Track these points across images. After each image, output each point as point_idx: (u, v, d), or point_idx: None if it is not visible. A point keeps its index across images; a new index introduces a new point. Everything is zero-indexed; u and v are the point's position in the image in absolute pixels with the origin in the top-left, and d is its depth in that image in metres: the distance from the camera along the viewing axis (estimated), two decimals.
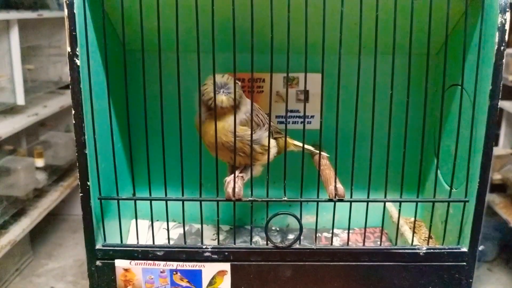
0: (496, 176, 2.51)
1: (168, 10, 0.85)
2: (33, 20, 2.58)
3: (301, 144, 1.00)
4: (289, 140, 1.01)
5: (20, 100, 2.49)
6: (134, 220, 1.10)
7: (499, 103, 0.87)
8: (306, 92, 1.06)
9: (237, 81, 0.93)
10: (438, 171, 1.04)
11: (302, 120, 1.12)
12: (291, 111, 1.12)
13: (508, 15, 0.84)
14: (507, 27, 0.84)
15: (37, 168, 2.59)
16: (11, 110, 2.49)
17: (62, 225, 2.87)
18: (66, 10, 0.83)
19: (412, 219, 1.09)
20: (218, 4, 0.83)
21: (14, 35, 2.40)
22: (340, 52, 0.85)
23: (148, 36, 0.86)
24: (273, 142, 0.99)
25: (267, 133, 0.97)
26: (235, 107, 0.90)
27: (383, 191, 0.93)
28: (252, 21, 0.83)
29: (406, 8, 0.85)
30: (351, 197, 0.91)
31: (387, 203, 1.12)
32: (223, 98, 0.91)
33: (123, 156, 1.07)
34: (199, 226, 1.14)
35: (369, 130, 0.90)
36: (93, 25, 0.89)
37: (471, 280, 0.93)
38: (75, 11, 0.83)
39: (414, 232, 0.97)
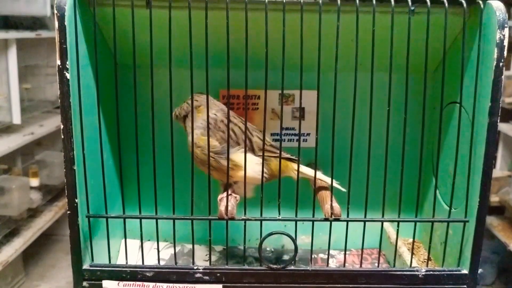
0: (493, 199, 2.49)
1: (161, 26, 0.84)
2: (31, 40, 2.58)
3: (306, 171, 0.96)
4: (289, 164, 0.96)
5: (16, 119, 2.47)
6: (123, 241, 1.07)
7: (498, 121, 0.85)
8: (301, 110, 1.04)
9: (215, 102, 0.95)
10: (437, 191, 1.02)
11: (297, 138, 1.10)
12: (287, 128, 1.10)
13: (506, 31, 0.82)
14: (505, 43, 0.82)
15: (32, 188, 2.57)
16: (7, 129, 2.48)
17: (56, 245, 2.83)
18: (56, 23, 0.81)
19: (410, 240, 1.06)
20: (212, 20, 0.81)
21: (12, 54, 2.40)
22: (337, 68, 0.83)
23: (140, 52, 0.85)
24: (256, 159, 0.93)
25: (240, 149, 0.92)
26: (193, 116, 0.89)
27: (381, 212, 0.90)
28: (247, 37, 0.82)
29: (403, 25, 0.83)
30: (347, 216, 0.88)
31: (384, 224, 1.10)
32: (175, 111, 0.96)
33: (113, 174, 1.05)
34: (191, 246, 1.10)
35: (366, 149, 0.87)
36: (85, 39, 0.88)
37: None
38: (66, 23, 0.81)
39: (412, 254, 0.94)
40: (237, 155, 0.92)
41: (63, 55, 0.82)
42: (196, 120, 0.92)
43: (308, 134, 1.11)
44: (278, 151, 0.91)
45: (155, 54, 0.84)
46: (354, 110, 0.86)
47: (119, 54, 0.95)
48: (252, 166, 0.92)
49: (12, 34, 2.37)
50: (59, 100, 0.84)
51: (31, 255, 2.63)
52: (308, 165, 1.06)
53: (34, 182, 2.59)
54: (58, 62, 0.82)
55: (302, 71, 0.85)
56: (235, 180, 0.94)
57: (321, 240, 1.07)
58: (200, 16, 0.81)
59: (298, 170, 0.90)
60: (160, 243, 0.95)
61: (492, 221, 2.55)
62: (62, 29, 0.82)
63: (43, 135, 2.61)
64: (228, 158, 0.89)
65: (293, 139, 1.11)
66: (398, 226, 0.91)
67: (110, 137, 1.01)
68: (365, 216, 0.89)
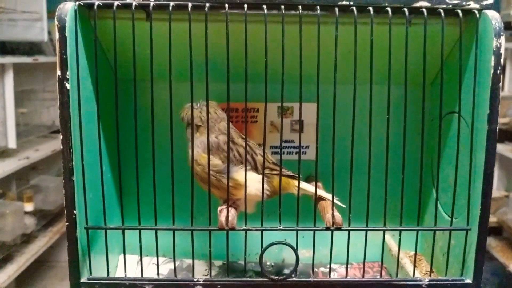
0: (491, 219, 2.49)
1: (160, 40, 0.85)
2: (28, 65, 2.59)
3: (307, 188, 0.95)
4: (290, 181, 0.96)
5: (12, 143, 2.47)
6: (122, 255, 1.06)
7: (497, 127, 0.85)
8: (301, 122, 1.04)
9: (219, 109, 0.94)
10: (438, 202, 1.01)
11: (297, 150, 1.10)
12: (286, 141, 1.10)
13: (502, 39, 0.83)
14: (502, 50, 0.83)
15: (26, 213, 2.55)
16: (2, 153, 2.47)
17: (50, 272, 2.79)
18: (57, 34, 0.82)
19: (412, 252, 1.06)
20: (211, 33, 0.82)
21: (9, 79, 2.41)
22: (336, 79, 0.84)
23: (139, 66, 0.85)
24: (259, 177, 0.92)
25: (242, 167, 0.91)
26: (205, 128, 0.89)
27: (382, 223, 0.89)
28: (246, 50, 0.82)
29: (400, 36, 0.84)
30: (349, 226, 0.88)
31: (386, 237, 1.09)
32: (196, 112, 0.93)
33: (111, 188, 1.04)
34: (190, 261, 1.09)
35: (366, 160, 0.87)
36: (85, 51, 0.88)
37: None
38: (66, 34, 0.82)
39: (415, 265, 0.93)
40: (240, 174, 0.91)
41: (63, 66, 0.82)
42: (196, 137, 0.92)
43: (307, 147, 1.11)
44: (279, 169, 0.91)
45: (154, 68, 0.84)
46: (353, 122, 0.86)
47: (118, 68, 0.96)
48: (255, 185, 0.92)
49: (9, 59, 2.38)
50: (59, 111, 0.84)
51: (24, 282, 2.59)
52: (308, 177, 1.06)
53: (29, 207, 2.57)
54: (59, 73, 0.83)
55: (301, 84, 0.85)
56: (237, 198, 0.94)
57: (322, 254, 1.06)
58: (199, 29, 0.82)
59: (298, 186, 0.89)
60: (159, 258, 0.94)
61: (490, 242, 2.54)
62: (62, 40, 0.82)
63: (38, 159, 2.60)
64: (228, 178, 0.89)
65: (292, 152, 1.11)
66: (400, 234, 0.91)
67: (109, 152, 1.01)
68: (366, 225, 0.88)
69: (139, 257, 0.98)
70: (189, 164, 0.91)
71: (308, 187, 0.95)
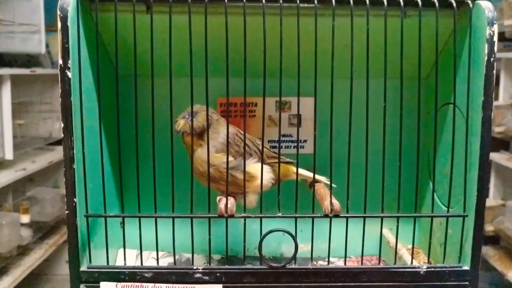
0: (488, 228, 2.49)
1: (160, 35, 0.86)
2: (26, 76, 2.60)
3: (305, 173, 0.98)
4: (290, 167, 0.99)
5: (9, 154, 2.46)
6: (121, 250, 1.06)
7: (492, 115, 0.87)
8: (298, 117, 1.06)
9: (213, 111, 0.96)
10: (435, 194, 1.02)
11: (295, 144, 1.11)
12: (284, 135, 1.11)
13: (495, 27, 0.85)
14: (495, 39, 0.85)
15: (22, 225, 2.53)
16: None
17: (45, 285, 2.76)
18: (59, 23, 0.83)
19: (410, 246, 1.06)
20: (210, 28, 0.84)
21: (6, 90, 2.42)
22: (333, 73, 0.85)
23: (139, 61, 0.87)
24: (266, 167, 0.95)
25: (254, 160, 0.95)
26: (192, 133, 0.91)
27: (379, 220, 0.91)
28: (245, 43, 0.84)
29: (395, 30, 0.86)
30: (347, 212, 0.88)
31: (383, 231, 1.09)
32: (180, 122, 0.94)
33: (111, 181, 1.04)
34: (189, 255, 1.09)
35: (363, 153, 0.88)
36: (86, 44, 0.89)
37: None
38: (68, 24, 0.83)
39: (413, 253, 0.94)
40: (251, 167, 0.94)
41: (65, 54, 0.84)
42: (202, 144, 0.94)
43: (305, 141, 1.12)
44: (278, 157, 0.93)
45: (155, 62, 0.86)
46: (350, 116, 0.87)
47: (118, 63, 0.97)
48: (265, 175, 0.94)
49: (7, 70, 2.40)
50: (60, 99, 0.85)
51: None
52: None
53: (25, 218, 2.55)
54: (60, 62, 0.84)
55: (299, 78, 0.86)
56: (254, 191, 0.96)
57: (320, 248, 1.06)
58: (198, 23, 0.83)
59: (297, 171, 0.91)
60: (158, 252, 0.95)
61: (488, 251, 2.54)
62: (64, 29, 0.83)
63: (35, 171, 2.59)
64: (244, 171, 0.91)
65: (290, 146, 1.12)
66: (397, 222, 0.91)
67: (109, 146, 1.02)
68: (364, 212, 0.89)
69: (138, 251, 0.98)
70: (195, 170, 0.93)
71: (306, 172, 0.98)
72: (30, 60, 2.77)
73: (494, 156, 2.49)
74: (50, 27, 2.70)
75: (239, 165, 0.92)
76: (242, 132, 0.94)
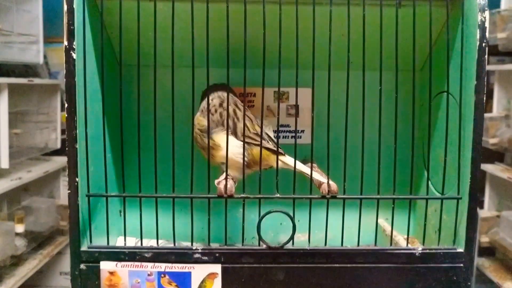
0: (483, 239, 2.49)
1: (164, 26, 0.89)
2: (23, 86, 2.62)
3: (287, 162, 0.96)
4: (271, 155, 0.96)
5: (5, 163, 2.47)
6: (120, 237, 1.07)
7: (484, 100, 0.90)
8: (296, 107, 1.08)
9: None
10: (429, 182, 1.04)
11: (292, 134, 1.13)
12: (282, 125, 1.14)
13: (487, 13, 0.89)
14: (487, 24, 0.88)
15: (17, 234, 2.51)
16: None
17: None
18: (65, 6, 0.86)
19: (405, 236, 1.07)
20: (211, 21, 0.87)
21: (4, 99, 2.44)
22: (330, 63, 0.88)
23: (143, 50, 0.90)
24: (238, 142, 0.96)
25: (223, 130, 0.95)
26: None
27: (375, 208, 0.93)
28: (245, 36, 0.86)
29: (390, 21, 0.89)
30: (344, 193, 0.90)
31: (379, 221, 1.11)
32: None
33: (111, 164, 1.05)
34: (188, 243, 1.09)
35: (360, 142, 0.91)
36: (90, 29, 0.92)
37: (469, 283, 0.90)
38: (74, 6, 0.86)
39: (408, 238, 0.95)
40: (218, 136, 0.97)
41: (70, 36, 0.86)
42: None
43: (303, 131, 1.14)
44: (260, 140, 0.93)
45: (157, 52, 0.89)
46: (347, 106, 0.90)
47: (123, 51, 1.00)
48: (231, 148, 0.94)
49: (4, 80, 2.42)
50: (65, 80, 0.87)
51: None
52: (303, 160, 1.08)
53: (20, 228, 2.54)
54: (66, 43, 0.86)
55: (297, 69, 0.88)
56: (217, 160, 0.98)
57: (318, 238, 1.07)
58: (198, 13, 0.86)
59: (277, 159, 0.94)
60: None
61: (483, 263, 2.54)
62: (70, 11, 0.86)
63: (30, 180, 2.59)
64: (208, 137, 0.95)
65: (288, 136, 1.14)
66: (393, 203, 0.93)
67: (110, 128, 1.03)
68: (361, 194, 0.91)
69: (137, 239, 0.99)
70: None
71: (288, 161, 0.96)
72: (28, 70, 2.79)
73: (488, 168, 2.51)
74: (48, 39, 2.73)
75: (209, 131, 0.95)
76: (236, 108, 0.99)
